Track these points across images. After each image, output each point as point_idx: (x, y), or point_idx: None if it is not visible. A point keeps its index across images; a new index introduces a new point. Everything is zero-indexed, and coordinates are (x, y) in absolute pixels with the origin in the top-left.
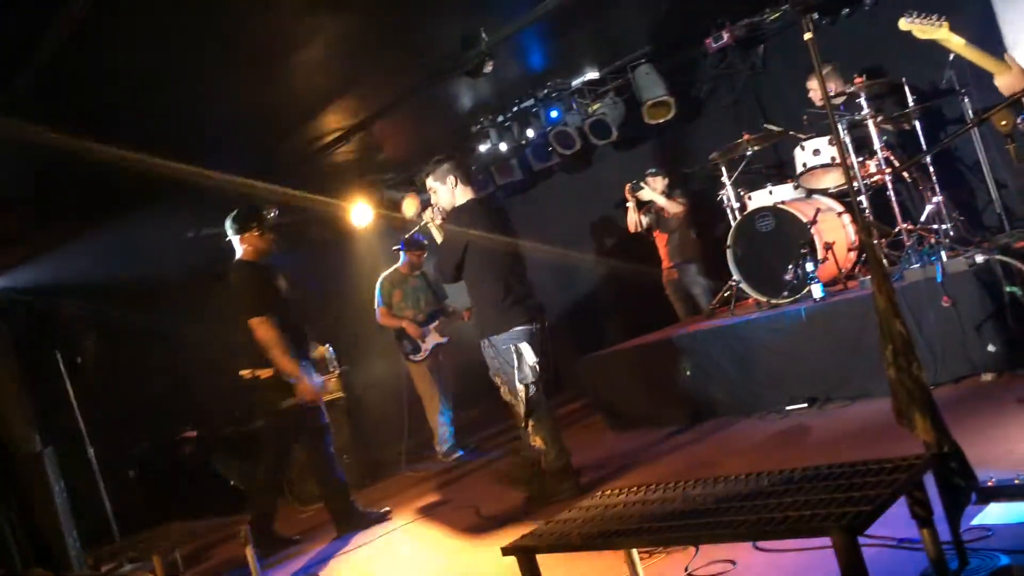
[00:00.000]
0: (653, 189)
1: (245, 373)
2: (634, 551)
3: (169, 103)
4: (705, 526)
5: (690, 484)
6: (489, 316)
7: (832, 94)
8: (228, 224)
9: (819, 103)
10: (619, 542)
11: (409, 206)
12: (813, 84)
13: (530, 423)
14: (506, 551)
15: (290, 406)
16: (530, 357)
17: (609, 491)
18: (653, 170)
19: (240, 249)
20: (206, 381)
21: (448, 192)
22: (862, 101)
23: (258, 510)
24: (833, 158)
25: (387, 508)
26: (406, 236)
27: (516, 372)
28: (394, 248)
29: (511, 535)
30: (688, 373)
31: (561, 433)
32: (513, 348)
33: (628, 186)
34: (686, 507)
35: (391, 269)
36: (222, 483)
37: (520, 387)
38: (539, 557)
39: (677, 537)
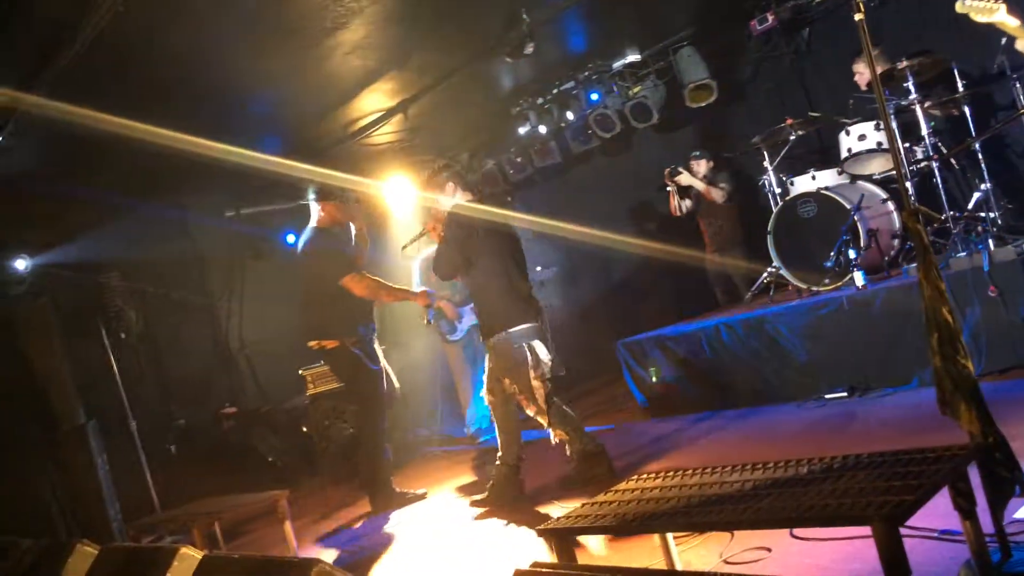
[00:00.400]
0: (696, 173)
1: (313, 344)
2: (669, 536)
3: (212, 84)
4: (742, 512)
5: (727, 470)
6: (499, 313)
7: (864, 86)
8: (311, 190)
9: (864, 87)
10: (655, 526)
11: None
12: (860, 67)
13: (551, 418)
14: (541, 533)
15: (369, 373)
16: (544, 353)
17: (645, 475)
18: (697, 153)
19: (316, 216)
20: (246, 358)
21: (448, 199)
22: (910, 86)
23: (373, 473)
24: (879, 143)
25: (424, 489)
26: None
27: (531, 370)
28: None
29: (544, 518)
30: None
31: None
32: (526, 346)
33: (667, 171)
34: (723, 493)
35: (428, 250)
36: (260, 459)
37: (537, 384)
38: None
39: (713, 523)
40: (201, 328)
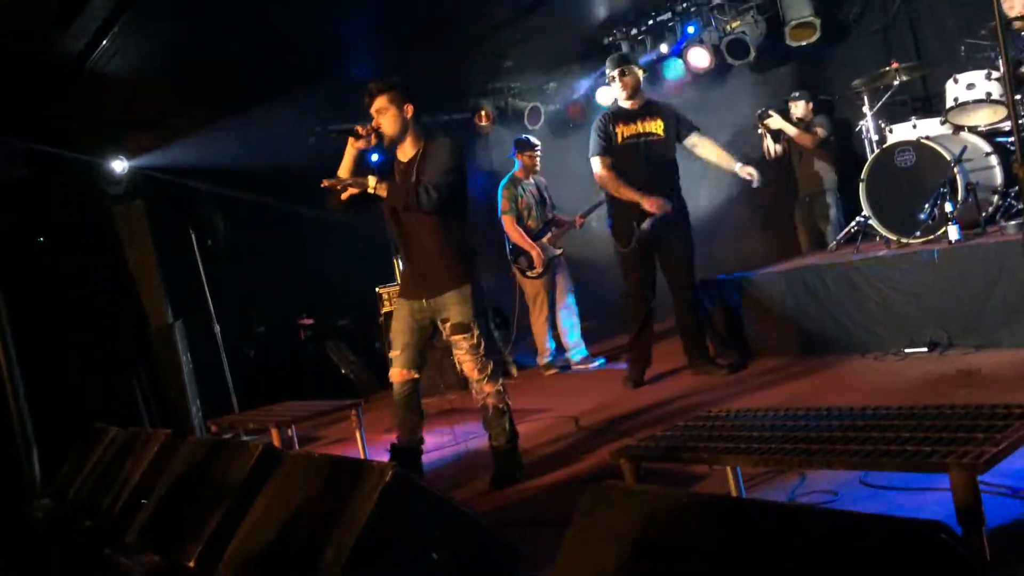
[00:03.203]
0: (793, 115)
1: None
2: (739, 471)
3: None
4: (816, 452)
5: (800, 411)
6: (464, 264)
7: (1014, 16)
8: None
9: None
10: (727, 459)
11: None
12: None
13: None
14: (615, 455)
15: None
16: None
17: (717, 411)
18: (797, 94)
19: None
20: (326, 271)
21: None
22: None
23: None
24: (988, 93)
25: None
26: (517, 138)
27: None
28: (506, 157)
29: (611, 447)
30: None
31: None
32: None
33: (757, 113)
34: (795, 434)
35: (508, 175)
36: (334, 370)
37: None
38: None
39: (787, 459)
40: (285, 240)
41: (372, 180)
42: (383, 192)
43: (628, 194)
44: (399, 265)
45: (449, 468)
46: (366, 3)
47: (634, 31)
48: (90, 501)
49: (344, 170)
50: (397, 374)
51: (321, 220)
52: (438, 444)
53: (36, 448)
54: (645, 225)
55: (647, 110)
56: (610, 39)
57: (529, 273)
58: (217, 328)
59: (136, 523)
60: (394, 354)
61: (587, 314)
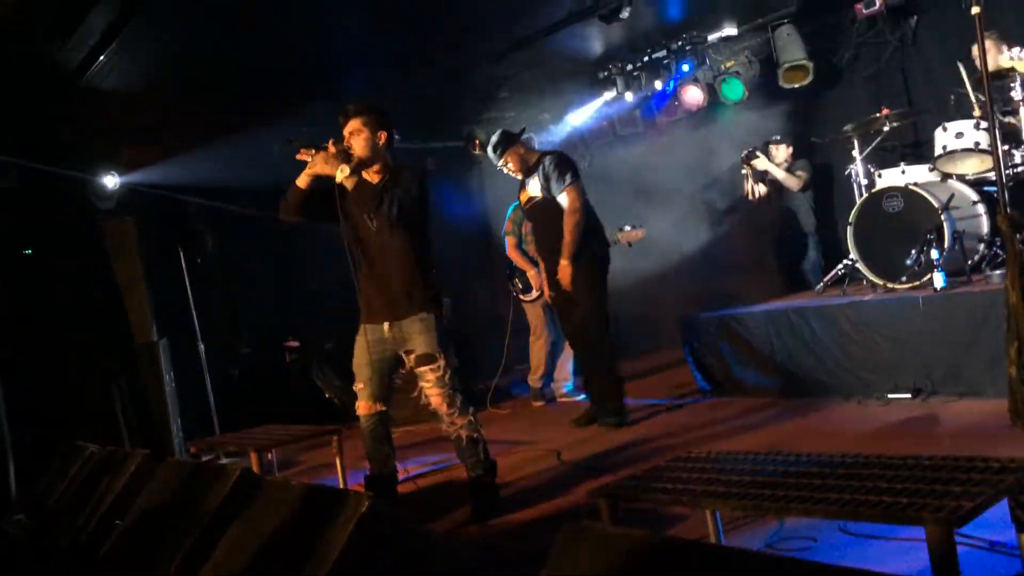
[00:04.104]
0: (774, 158)
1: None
2: (718, 514)
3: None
4: (794, 499)
5: (781, 456)
6: (429, 291)
7: (992, 70)
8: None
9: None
10: (706, 502)
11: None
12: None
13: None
14: (592, 493)
15: None
16: None
17: (698, 452)
18: (777, 137)
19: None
20: (313, 293)
21: None
22: (1017, 86)
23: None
24: (977, 143)
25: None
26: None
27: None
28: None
29: (589, 484)
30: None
31: None
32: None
33: (744, 153)
34: (776, 478)
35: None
36: (318, 394)
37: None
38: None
39: (765, 506)
40: (274, 260)
41: (346, 169)
42: (349, 185)
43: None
44: (359, 287)
45: (430, 498)
46: (362, 25)
47: (629, 67)
48: (65, 519)
49: (304, 183)
50: (364, 407)
51: (310, 242)
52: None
53: (12, 463)
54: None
55: (529, 172)
56: (605, 74)
57: (523, 296)
58: (202, 347)
59: (109, 544)
60: (358, 387)
61: None
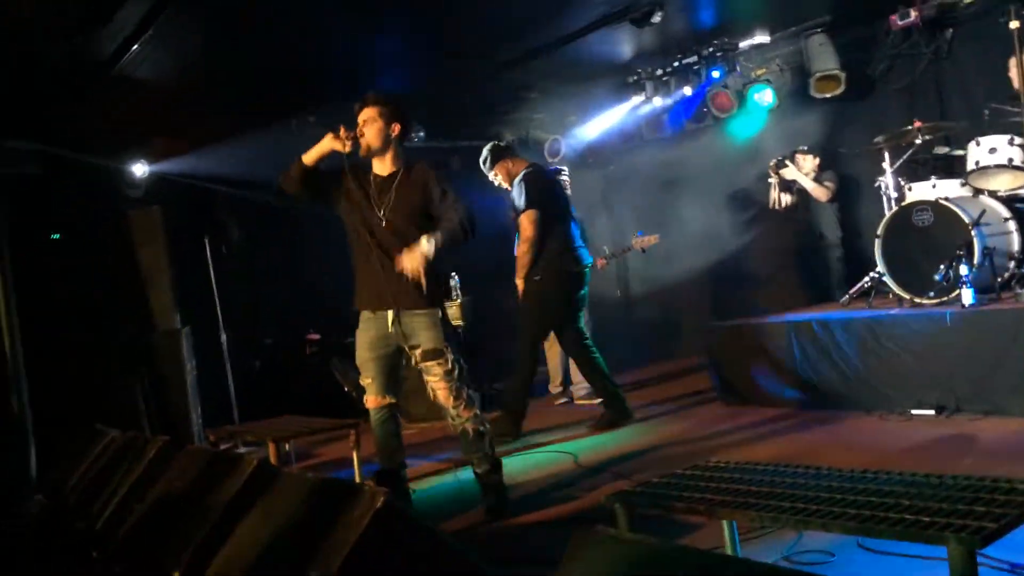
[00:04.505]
0: (800, 168)
1: None
2: (735, 524)
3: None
4: (814, 513)
5: (800, 468)
6: (437, 285)
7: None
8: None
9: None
10: (722, 512)
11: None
12: (1015, 72)
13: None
14: (609, 499)
15: None
16: None
17: (716, 461)
18: (804, 148)
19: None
20: (336, 288)
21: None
22: None
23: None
24: (1010, 159)
25: None
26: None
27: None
28: None
29: (605, 489)
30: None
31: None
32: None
33: (772, 162)
34: (795, 491)
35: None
36: (337, 388)
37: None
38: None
39: (783, 518)
40: (298, 253)
41: (348, 146)
42: (357, 176)
43: None
44: (359, 275)
45: (443, 497)
46: (399, 21)
47: (659, 71)
48: (83, 502)
49: (309, 159)
50: (372, 400)
51: (334, 237)
52: (435, 470)
53: (34, 445)
54: None
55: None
56: (635, 78)
57: None
58: (224, 337)
59: (125, 528)
60: (366, 381)
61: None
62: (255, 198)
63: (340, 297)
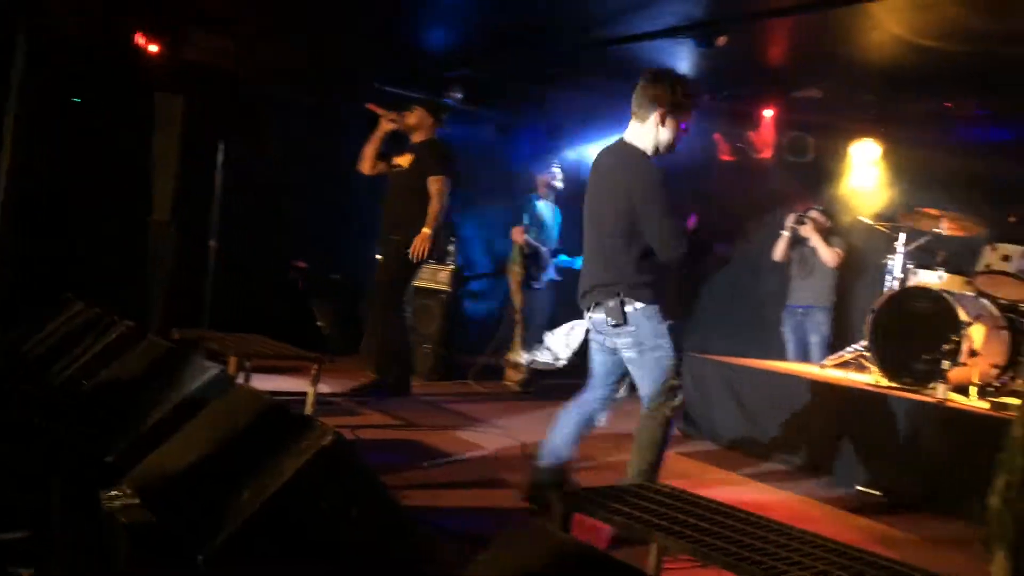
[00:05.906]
0: (815, 228)
1: None
2: (663, 550)
3: None
4: (744, 559)
5: (741, 513)
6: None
7: None
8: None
9: None
10: (655, 536)
11: None
12: None
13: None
14: (550, 496)
15: None
16: None
17: (661, 486)
18: (821, 208)
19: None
20: (337, 222)
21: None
22: None
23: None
24: (1021, 270)
25: None
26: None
27: None
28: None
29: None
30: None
31: None
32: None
33: (792, 216)
34: (731, 534)
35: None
36: (311, 319)
37: None
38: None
39: (712, 556)
40: (312, 180)
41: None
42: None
43: None
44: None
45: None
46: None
47: (707, 96)
48: (38, 365)
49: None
50: None
51: (353, 176)
52: None
53: None
54: None
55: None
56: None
57: (533, 283)
58: (212, 241)
59: (73, 402)
60: None
61: None
62: (294, 105)
63: (339, 232)
